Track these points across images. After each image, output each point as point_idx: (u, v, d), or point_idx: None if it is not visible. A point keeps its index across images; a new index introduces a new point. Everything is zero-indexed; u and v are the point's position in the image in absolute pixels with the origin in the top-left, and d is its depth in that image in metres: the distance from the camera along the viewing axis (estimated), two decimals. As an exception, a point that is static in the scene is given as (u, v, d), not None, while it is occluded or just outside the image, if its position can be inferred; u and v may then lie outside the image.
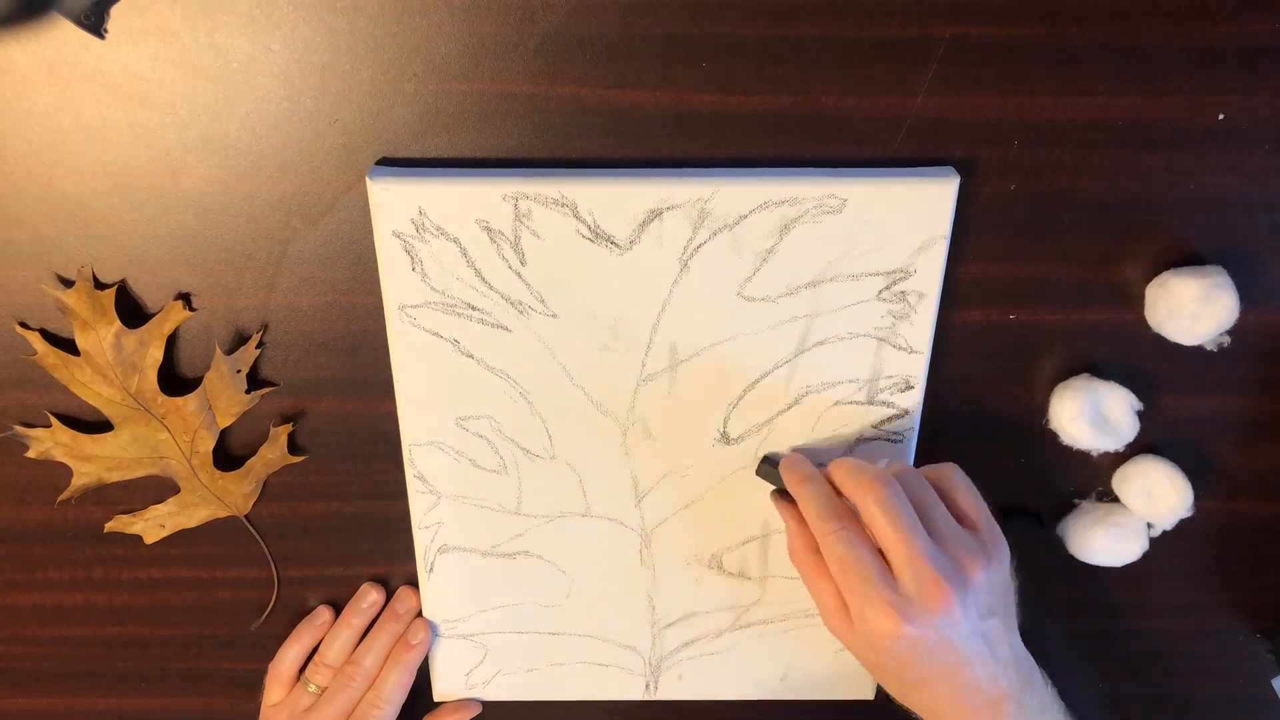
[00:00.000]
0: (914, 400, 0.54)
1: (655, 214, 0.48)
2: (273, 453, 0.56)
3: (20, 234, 0.51)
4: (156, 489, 0.57)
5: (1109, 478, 0.58)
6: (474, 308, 0.51)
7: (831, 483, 0.50)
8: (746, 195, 0.48)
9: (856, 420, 0.54)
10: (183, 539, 0.58)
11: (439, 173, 0.49)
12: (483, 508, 0.57)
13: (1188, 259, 0.52)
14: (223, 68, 0.47)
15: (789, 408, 0.54)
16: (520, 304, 0.51)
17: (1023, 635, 0.63)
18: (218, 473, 0.56)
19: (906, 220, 0.49)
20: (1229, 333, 0.52)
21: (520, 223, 0.49)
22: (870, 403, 0.54)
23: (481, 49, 0.47)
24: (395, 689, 0.59)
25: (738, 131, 0.49)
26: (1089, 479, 0.58)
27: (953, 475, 0.50)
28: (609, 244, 0.49)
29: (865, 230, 0.49)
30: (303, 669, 0.60)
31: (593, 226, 0.49)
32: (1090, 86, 0.48)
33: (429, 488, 0.56)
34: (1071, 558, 0.61)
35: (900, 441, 0.55)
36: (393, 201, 0.48)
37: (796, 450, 0.55)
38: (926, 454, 0.57)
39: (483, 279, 0.50)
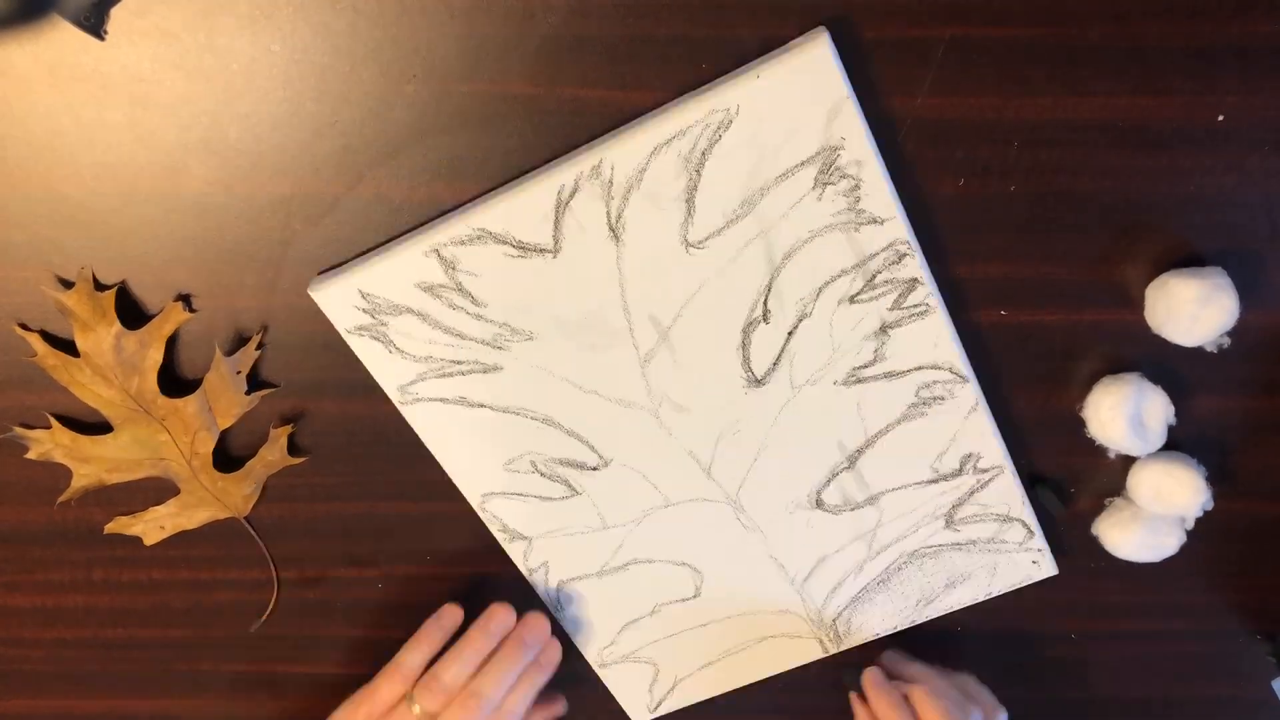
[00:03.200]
0: (916, 268, 0.51)
1: (562, 204, 0.49)
2: (273, 454, 0.56)
3: (20, 235, 0.51)
4: (156, 490, 0.57)
5: (1111, 478, 0.58)
6: (459, 362, 0.52)
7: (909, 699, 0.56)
8: (634, 149, 0.47)
9: (872, 313, 0.52)
10: (183, 541, 0.58)
11: (366, 259, 0.50)
12: (573, 534, 0.58)
13: (1188, 259, 0.52)
14: (222, 69, 0.47)
15: (798, 324, 0.52)
16: (496, 340, 0.52)
17: (1021, 637, 0.63)
18: (218, 474, 0.56)
19: (800, 98, 0.46)
20: (1229, 333, 0.52)
21: (453, 270, 0.50)
22: (872, 287, 0.51)
23: (481, 49, 0.47)
24: (520, 711, 0.57)
25: (738, 132, 0.49)
26: (1093, 478, 0.58)
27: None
28: (539, 252, 0.50)
29: (767, 127, 0.47)
30: None
31: (516, 243, 0.49)
32: (1090, 86, 0.48)
33: (516, 534, 0.57)
34: (1069, 562, 0.61)
35: (926, 314, 0.52)
36: (338, 301, 0.50)
37: (878, 666, 0.60)
38: (927, 454, 0.57)
39: (451, 334, 0.52)
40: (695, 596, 0.60)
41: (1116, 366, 0.55)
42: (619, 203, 0.48)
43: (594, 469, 0.56)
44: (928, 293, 0.51)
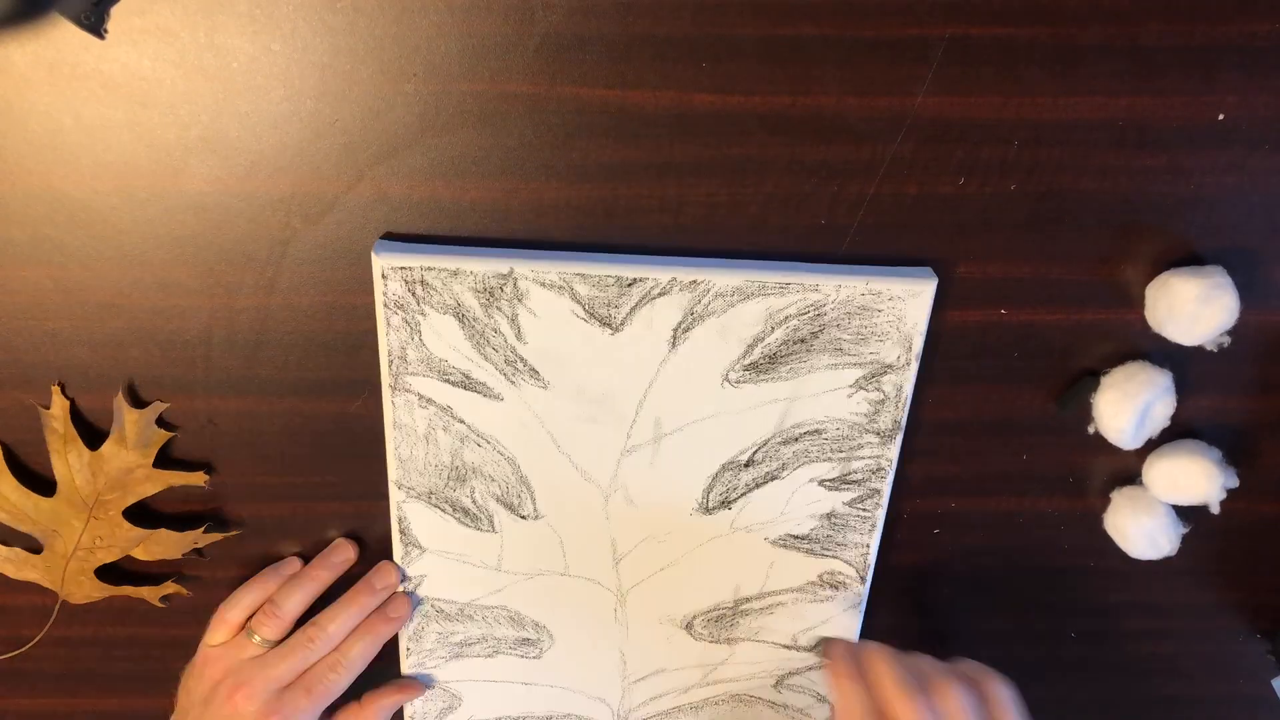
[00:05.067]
0: (885, 484, 0.56)
1: (649, 297, 0.50)
2: (148, 593, 0.58)
3: (20, 234, 0.51)
4: (15, 534, 0.57)
5: (1115, 473, 0.58)
6: (469, 378, 0.53)
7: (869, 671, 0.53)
8: (734, 285, 0.50)
9: (829, 499, 0.56)
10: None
11: (441, 248, 0.50)
12: (465, 563, 0.58)
13: (1188, 259, 0.52)
14: (223, 68, 0.47)
15: (767, 481, 0.56)
16: (513, 375, 0.53)
17: (1022, 635, 0.63)
18: (88, 575, 0.57)
19: (887, 317, 0.51)
20: (1229, 333, 0.52)
21: (518, 300, 0.50)
22: (843, 481, 0.56)
23: (481, 49, 0.47)
24: (359, 658, 0.57)
25: (737, 131, 0.49)
26: (1097, 475, 0.58)
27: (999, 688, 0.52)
28: (602, 324, 0.51)
29: (847, 323, 0.51)
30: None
31: (588, 308, 0.50)
32: (1090, 86, 0.48)
33: (413, 541, 0.58)
34: (1069, 561, 0.61)
35: (868, 522, 0.57)
36: (395, 274, 0.50)
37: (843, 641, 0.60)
38: (926, 451, 0.57)
39: (480, 352, 0.52)
40: (536, 658, 0.62)
41: (1117, 365, 0.55)
42: (694, 319, 0.51)
43: (523, 517, 0.57)
44: (880, 504, 0.57)
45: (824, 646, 0.61)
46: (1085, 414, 0.56)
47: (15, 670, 0.63)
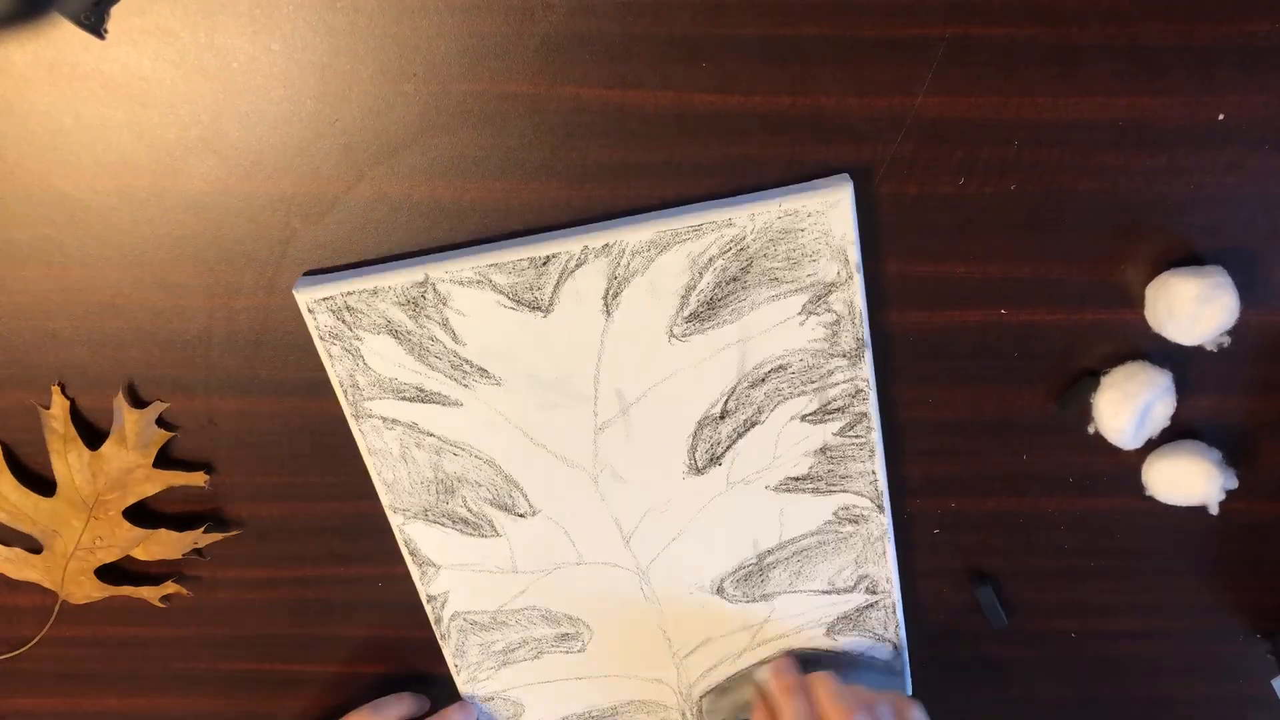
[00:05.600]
0: (869, 406, 0.55)
1: (567, 271, 0.50)
2: (149, 593, 0.58)
3: (20, 234, 0.51)
4: (15, 534, 0.57)
5: (1115, 474, 0.58)
6: (423, 390, 0.53)
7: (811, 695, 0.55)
8: (648, 239, 0.49)
9: (817, 433, 0.55)
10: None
11: (359, 271, 0.51)
12: (481, 571, 0.58)
13: (1188, 259, 0.52)
14: (223, 68, 0.47)
15: (749, 428, 0.55)
16: (464, 379, 0.53)
17: (1022, 635, 0.63)
18: (88, 574, 0.57)
19: (811, 234, 0.50)
20: (1229, 333, 0.52)
21: (443, 304, 0.50)
22: (825, 413, 0.55)
23: (481, 49, 0.47)
24: None
25: (738, 131, 0.49)
26: (1093, 474, 0.58)
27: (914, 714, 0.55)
28: (532, 309, 0.51)
29: (774, 251, 0.50)
30: None
31: (512, 295, 0.50)
32: (1090, 86, 0.48)
33: (426, 560, 0.58)
34: (1070, 559, 0.61)
35: (864, 447, 0.55)
36: (320, 305, 0.50)
37: (787, 655, 0.61)
38: (926, 451, 0.57)
39: (424, 363, 0.52)
40: (580, 651, 0.62)
41: (1117, 365, 0.55)
42: (620, 283, 0.50)
43: (521, 516, 0.57)
44: (872, 430, 0.55)
45: (770, 664, 0.61)
46: (1085, 414, 0.56)
47: (15, 670, 0.63)
